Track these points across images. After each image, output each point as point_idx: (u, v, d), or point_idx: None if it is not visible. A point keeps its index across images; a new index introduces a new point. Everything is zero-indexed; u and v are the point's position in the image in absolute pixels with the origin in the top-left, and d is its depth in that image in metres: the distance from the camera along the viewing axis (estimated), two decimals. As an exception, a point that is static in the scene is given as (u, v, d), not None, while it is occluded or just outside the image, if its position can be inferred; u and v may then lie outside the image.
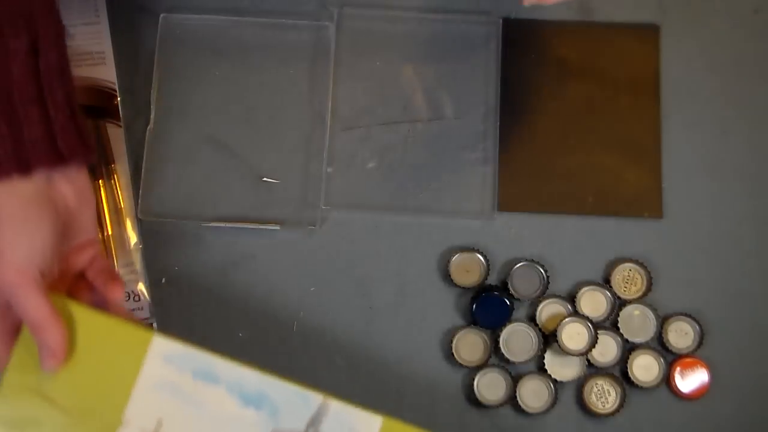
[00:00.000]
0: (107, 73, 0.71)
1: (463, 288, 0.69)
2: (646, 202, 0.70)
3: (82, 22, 0.71)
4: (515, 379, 0.67)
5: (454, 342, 0.68)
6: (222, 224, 0.70)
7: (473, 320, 0.68)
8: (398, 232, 0.70)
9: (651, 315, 0.68)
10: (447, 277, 0.69)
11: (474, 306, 0.68)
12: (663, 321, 0.68)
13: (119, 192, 0.69)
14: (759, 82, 0.72)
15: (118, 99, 0.70)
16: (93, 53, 0.71)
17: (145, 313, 0.68)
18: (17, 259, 0.53)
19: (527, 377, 0.67)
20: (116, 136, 0.70)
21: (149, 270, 0.69)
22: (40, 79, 0.53)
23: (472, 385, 0.67)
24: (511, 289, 0.68)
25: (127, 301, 0.68)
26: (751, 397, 0.67)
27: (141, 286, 0.68)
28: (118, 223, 0.69)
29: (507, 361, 0.67)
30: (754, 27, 0.74)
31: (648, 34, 0.73)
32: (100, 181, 0.69)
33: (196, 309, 0.69)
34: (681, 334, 0.68)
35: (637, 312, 0.68)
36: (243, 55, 0.73)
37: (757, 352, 0.68)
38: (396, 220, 0.70)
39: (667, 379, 0.67)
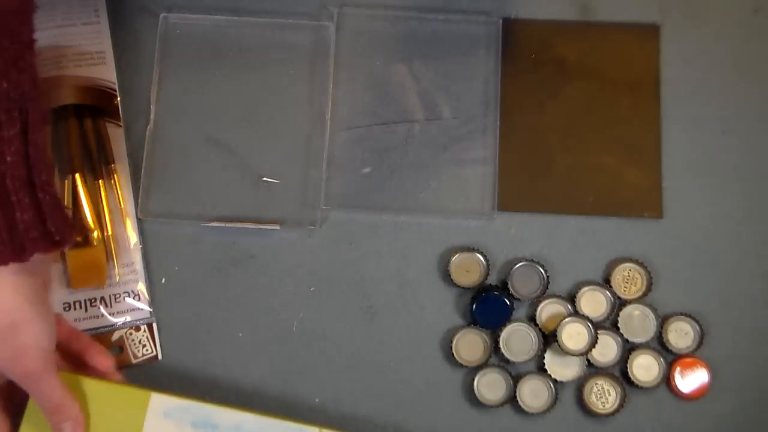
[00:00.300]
0: (107, 73, 0.71)
1: (463, 288, 0.69)
2: (646, 202, 0.70)
3: (82, 22, 0.71)
4: (515, 379, 0.67)
5: (454, 342, 0.68)
6: (222, 224, 0.70)
7: (473, 320, 0.68)
8: (398, 232, 0.70)
9: (651, 315, 0.68)
10: (447, 277, 0.69)
11: (474, 306, 0.68)
12: (663, 321, 0.68)
13: (119, 192, 0.69)
14: (759, 82, 0.72)
15: (118, 99, 0.70)
16: (93, 53, 0.71)
17: (145, 314, 0.68)
18: (42, 344, 0.55)
19: (527, 377, 0.67)
20: (116, 136, 0.70)
21: (149, 270, 0.69)
22: (29, 162, 0.53)
23: (472, 385, 0.67)
24: (511, 289, 0.68)
25: (128, 298, 0.68)
26: (751, 397, 0.68)
27: (141, 286, 0.68)
28: (118, 223, 0.69)
29: (507, 361, 0.67)
30: (754, 27, 0.74)
31: (648, 34, 0.73)
32: (100, 180, 0.69)
33: (196, 309, 0.69)
34: (681, 334, 0.68)
35: (637, 312, 0.68)
36: (243, 55, 0.73)
37: (757, 352, 0.68)
38: (396, 220, 0.70)
39: (667, 379, 0.67)
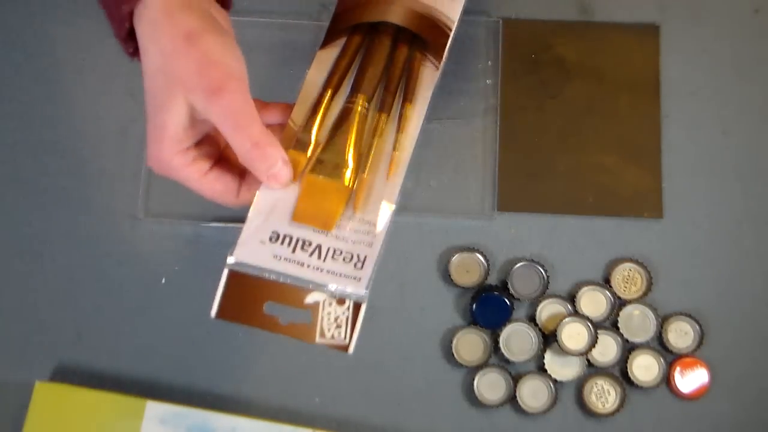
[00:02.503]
0: (449, 7, 0.57)
1: (463, 288, 0.69)
2: (646, 202, 0.70)
3: None
4: (515, 379, 0.67)
5: (454, 342, 0.68)
6: (222, 224, 0.70)
7: (473, 320, 0.68)
8: (398, 232, 0.70)
9: (651, 315, 0.68)
10: (447, 277, 0.69)
11: (474, 306, 0.68)
12: (663, 321, 0.68)
13: (400, 137, 0.55)
14: (759, 82, 0.72)
15: (450, 38, 0.57)
16: None
17: (358, 288, 0.51)
18: (229, 62, 0.50)
19: (527, 377, 0.67)
20: (427, 77, 0.57)
21: (149, 270, 0.69)
22: None
23: (472, 385, 0.67)
24: (511, 289, 0.68)
25: (347, 261, 0.52)
26: (751, 397, 0.67)
27: (369, 254, 0.52)
28: (381, 172, 0.54)
29: (507, 361, 0.67)
30: (754, 27, 0.74)
31: (648, 34, 0.73)
32: (383, 115, 0.55)
33: (196, 309, 0.69)
34: (681, 334, 0.68)
35: (637, 312, 0.68)
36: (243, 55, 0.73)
37: (757, 352, 0.68)
38: (396, 220, 0.70)
39: (667, 379, 0.67)
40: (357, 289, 0.51)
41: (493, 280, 0.69)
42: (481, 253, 0.69)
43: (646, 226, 0.70)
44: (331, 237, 0.52)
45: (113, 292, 0.70)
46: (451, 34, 0.56)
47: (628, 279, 0.69)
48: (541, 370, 0.67)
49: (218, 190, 0.52)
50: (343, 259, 0.51)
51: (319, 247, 0.52)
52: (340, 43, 0.57)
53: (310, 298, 0.51)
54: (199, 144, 0.52)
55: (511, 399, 0.66)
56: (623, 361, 0.67)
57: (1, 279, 0.70)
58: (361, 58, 0.57)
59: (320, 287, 0.51)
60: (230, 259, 0.52)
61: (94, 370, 0.68)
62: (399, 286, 0.69)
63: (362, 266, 0.51)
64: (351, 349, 0.51)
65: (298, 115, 0.55)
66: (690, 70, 0.73)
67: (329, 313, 0.51)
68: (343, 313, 0.51)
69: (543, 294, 0.68)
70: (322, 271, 0.51)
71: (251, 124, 0.49)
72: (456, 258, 0.69)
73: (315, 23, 0.73)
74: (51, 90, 0.73)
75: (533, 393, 0.67)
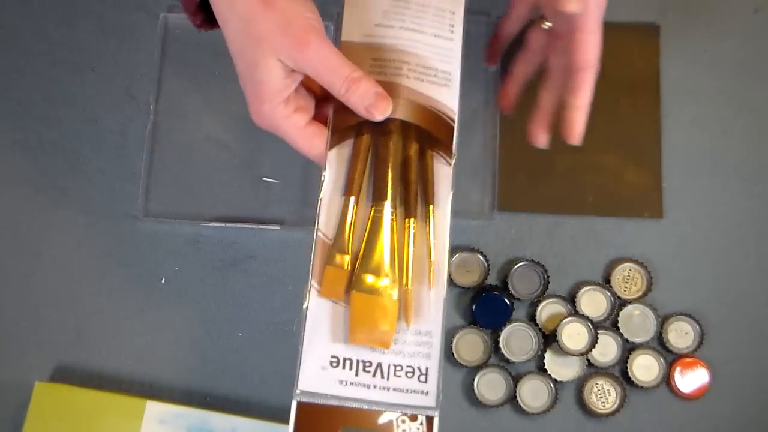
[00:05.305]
0: (449, 98, 0.57)
1: (463, 288, 0.69)
2: (646, 202, 0.70)
3: (434, 34, 0.59)
4: (515, 379, 0.67)
5: (454, 342, 0.68)
6: (222, 224, 0.70)
7: (473, 320, 0.68)
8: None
9: (651, 315, 0.68)
10: (447, 277, 0.68)
11: (474, 306, 0.68)
12: (663, 321, 0.68)
13: (431, 241, 0.54)
14: (759, 82, 0.72)
15: (455, 132, 0.56)
16: (438, 71, 0.58)
17: (427, 401, 0.52)
18: (302, 10, 0.53)
19: (527, 377, 0.67)
20: (442, 173, 0.56)
21: (149, 270, 0.69)
22: None
23: (472, 385, 0.67)
24: (511, 289, 0.68)
25: (410, 375, 0.52)
26: (751, 397, 0.68)
27: (432, 365, 0.53)
28: (422, 277, 0.54)
29: (507, 361, 0.67)
30: (754, 27, 0.74)
31: (648, 34, 0.73)
32: (411, 220, 0.54)
33: (196, 309, 0.69)
34: (681, 334, 0.68)
35: (637, 312, 0.68)
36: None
37: (757, 352, 0.68)
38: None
39: (667, 379, 0.67)
40: (426, 402, 0.52)
41: (493, 280, 0.69)
42: (481, 253, 0.69)
43: (646, 226, 0.70)
44: (389, 353, 0.52)
45: (113, 292, 0.70)
46: (455, 126, 0.56)
47: (628, 279, 0.69)
48: (541, 370, 0.67)
49: (315, 145, 0.55)
50: (406, 375, 0.52)
51: (380, 365, 0.52)
52: (349, 142, 0.56)
53: (383, 418, 0.52)
54: (296, 96, 0.55)
55: (511, 399, 0.66)
56: (623, 361, 0.67)
57: (1, 279, 0.70)
58: (375, 159, 0.56)
59: (390, 407, 0.52)
60: (296, 390, 0.52)
61: (94, 370, 0.68)
62: (399, 286, 0.69)
63: (426, 379, 0.52)
64: None
65: (327, 227, 0.54)
66: (690, 70, 0.73)
67: (404, 431, 0.52)
68: (417, 428, 0.52)
69: (543, 294, 0.68)
70: (389, 390, 0.52)
71: (340, 65, 0.53)
72: (456, 258, 0.69)
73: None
74: (51, 90, 0.73)
75: (533, 393, 0.67)
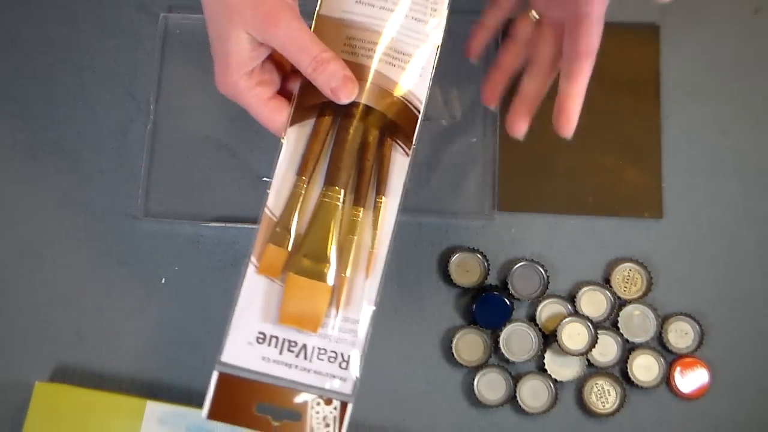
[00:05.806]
0: (418, 87, 0.56)
1: (463, 288, 0.69)
2: (646, 202, 0.70)
3: (414, 17, 0.57)
4: (515, 379, 0.67)
5: (454, 342, 0.68)
6: (222, 224, 0.70)
7: (473, 320, 0.68)
8: (398, 232, 0.70)
9: (651, 315, 0.68)
10: (447, 277, 0.69)
11: (474, 306, 0.68)
12: (663, 321, 0.68)
13: (376, 233, 0.54)
14: (759, 82, 0.72)
15: (419, 123, 0.55)
16: (403, 54, 0.56)
17: (344, 388, 0.53)
18: None
19: (527, 377, 0.67)
20: (398, 164, 0.55)
21: (149, 270, 0.69)
22: None
23: (472, 385, 0.67)
24: (511, 289, 0.68)
25: (332, 361, 0.53)
26: (751, 397, 0.68)
27: (354, 354, 0.54)
28: (360, 268, 0.54)
29: (507, 361, 0.67)
30: (754, 27, 0.74)
31: (648, 34, 0.73)
32: (360, 209, 0.55)
33: (196, 309, 0.69)
34: (681, 334, 0.68)
35: (637, 312, 0.68)
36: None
37: (757, 352, 0.68)
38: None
39: (667, 379, 0.67)
40: (343, 389, 0.53)
41: (493, 280, 0.69)
42: (481, 253, 0.69)
43: (646, 226, 0.70)
44: (315, 336, 0.53)
45: (113, 292, 0.70)
46: (420, 117, 0.55)
47: (628, 279, 0.69)
48: (541, 370, 0.67)
49: (276, 119, 0.55)
50: (329, 359, 0.53)
51: (305, 347, 0.53)
52: (311, 122, 0.55)
53: (299, 398, 0.53)
54: (261, 69, 0.55)
55: (511, 399, 0.66)
56: (623, 361, 0.67)
57: (1, 279, 0.70)
58: (333, 143, 0.55)
59: (308, 388, 0.53)
60: (219, 360, 0.53)
61: (94, 370, 0.68)
62: (399, 286, 0.69)
63: (347, 366, 0.53)
64: None
65: (275, 205, 0.54)
66: (690, 70, 0.73)
67: (317, 413, 0.53)
68: (331, 412, 0.53)
69: (543, 294, 0.68)
70: (309, 371, 0.53)
71: (309, 44, 0.53)
72: (456, 258, 0.69)
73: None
74: (51, 90, 0.73)
75: (533, 393, 0.67)
